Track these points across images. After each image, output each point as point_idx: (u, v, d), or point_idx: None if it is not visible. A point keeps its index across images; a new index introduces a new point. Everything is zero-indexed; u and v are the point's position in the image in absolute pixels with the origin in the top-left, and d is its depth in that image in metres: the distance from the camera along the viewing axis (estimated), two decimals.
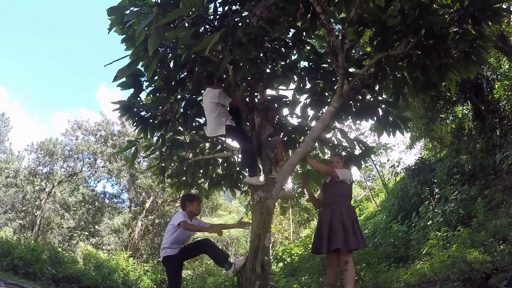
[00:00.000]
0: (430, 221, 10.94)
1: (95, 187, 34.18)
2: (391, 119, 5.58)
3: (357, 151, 6.16)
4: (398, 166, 16.94)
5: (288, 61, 5.84)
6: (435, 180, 13.60)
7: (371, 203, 22.32)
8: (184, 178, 6.51)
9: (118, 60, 3.86)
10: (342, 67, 4.50)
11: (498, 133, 13.36)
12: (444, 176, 13.55)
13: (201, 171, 6.52)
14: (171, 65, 5.13)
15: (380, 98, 5.65)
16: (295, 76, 6.04)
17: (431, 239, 9.61)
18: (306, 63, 5.91)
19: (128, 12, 4.43)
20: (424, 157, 16.83)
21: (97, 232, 28.93)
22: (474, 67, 4.96)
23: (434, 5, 4.61)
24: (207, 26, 4.52)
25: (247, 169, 5.14)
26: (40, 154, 29.83)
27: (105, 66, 3.79)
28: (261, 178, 5.02)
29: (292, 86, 6.25)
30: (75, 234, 28.75)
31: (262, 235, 4.61)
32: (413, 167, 14.52)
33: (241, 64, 5.04)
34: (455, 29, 4.83)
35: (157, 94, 5.58)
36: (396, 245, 11.08)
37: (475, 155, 13.54)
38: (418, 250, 9.81)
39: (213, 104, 5.05)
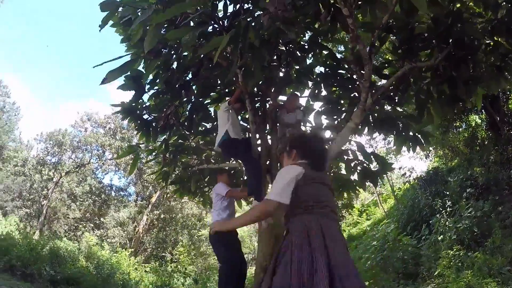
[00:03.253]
0: (441, 236, 10.55)
1: (103, 179, 34.25)
2: (411, 133, 5.18)
3: (373, 165, 5.71)
4: (410, 175, 16.47)
5: (303, 66, 5.46)
6: (447, 192, 13.16)
7: (379, 208, 21.88)
8: (188, 184, 6.14)
9: (109, 61, 3.33)
10: (368, 79, 4.01)
11: None
12: (457, 188, 13.11)
13: (206, 179, 6.15)
14: (175, 66, 4.71)
15: (400, 109, 5.24)
16: (309, 82, 5.67)
17: (442, 257, 9.22)
18: (322, 69, 5.56)
19: (124, 7, 3.94)
20: (436, 165, 16.39)
21: (102, 224, 28.90)
22: (506, 82, 4.58)
23: (466, 14, 4.20)
24: (216, 26, 4.10)
25: (252, 193, 4.46)
26: (49, 144, 29.91)
27: (93, 67, 3.27)
28: None
29: (306, 92, 5.88)
30: (80, 225, 28.75)
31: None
32: (425, 177, 14.11)
33: (252, 69, 4.50)
34: (487, 41, 4.42)
35: (160, 97, 5.18)
36: (405, 259, 10.68)
37: (489, 167, 13.12)
38: (429, 268, 9.42)
39: (227, 112, 4.69)
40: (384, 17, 3.63)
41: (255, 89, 5.18)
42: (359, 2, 3.70)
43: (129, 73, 4.32)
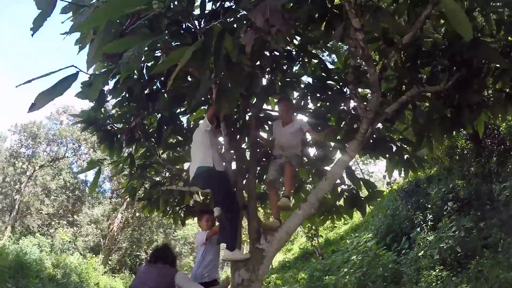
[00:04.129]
0: (422, 252, 10.28)
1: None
2: (405, 156, 4.73)
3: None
4: (392, 184, 16.23)
5: (289, 75, 4.87)
6: (429, 205, 12.95)
7: (356, 213, 21.51)
8: (158, 202, 5.53)
9: (36, 78, 2.45)
10: (373, 110, 3.41)
11: (495, 158, 12.78)
12: (438, 201, 12.91)
13: (176, 200, 5.58)
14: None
15: (395, 130, 4.77)
16: (295, 93, 5.15)
17: (424, 279, 8.95)
18: (310, 79, 5.05)
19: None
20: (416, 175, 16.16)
21: (76, 221, 28.04)
22: None
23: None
24: (192, 26, 3.28)
25: (224, 239, 3.87)
26: (23, 136, 28.84)
27: (16, 87, 2.35)
28: (245, 251, 4.04)
29: None
30: (53, 222, 27.86)
31: None
32: (407, 188, 13.88)
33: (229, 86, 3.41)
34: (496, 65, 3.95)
35: (125, 105, 4.52)
36: (385, 277, 10.37)
37: (469, 179, 12.96)
38: None
39: (208, 133, 4.06)
40: (409, 33, 3.00)
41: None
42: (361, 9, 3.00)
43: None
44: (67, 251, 20.31)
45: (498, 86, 4.27)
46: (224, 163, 4.16)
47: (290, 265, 19.82)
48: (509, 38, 3.88)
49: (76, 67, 1.90)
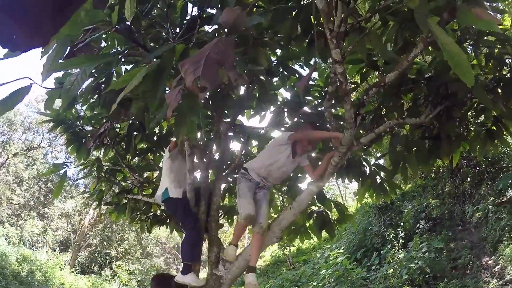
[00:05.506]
0: (392, 270, 10.32)
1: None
2: (378, 180, 4.65)
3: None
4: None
5: (267, 88, 4.64)
6: (401, 223, 13.03)
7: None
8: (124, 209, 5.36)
9: None
10: (348, 146, 3.25)
11: (469, 180, 12.96)
12: (411, 220, 13.01)
13: (143, 208, 5.42)
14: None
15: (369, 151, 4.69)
16: (272, 107, 5.00)
17: None
18: (288, 95, 4.95)
19: None
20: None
21: (46, 214, 27.31)
22: (493, 147, 4.13)
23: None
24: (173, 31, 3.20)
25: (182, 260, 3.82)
26: None
27: None
28: (201, 276, 3.95)
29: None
30: (23, 214, 27.09)
31: None
32: (380, 205, 13.93)
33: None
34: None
35: (96, 109, 4.29)
36: None
37: (443, 199, 13.13)
38: None
39: (168, 162, 4.10)
40: (404, 64, 2.76)
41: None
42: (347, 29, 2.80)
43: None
44: (36, 244, 19.75)
45: (481, 120, 4.25)
46: (184, 186, 4.09)
47: (261, 273, 19.71)
48: (497, 73, 3.84)
49: (30, 78, 1.74)
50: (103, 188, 5.32)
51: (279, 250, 19.46)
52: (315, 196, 4.36)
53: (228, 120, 4.72)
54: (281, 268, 18.52)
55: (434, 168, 14.30)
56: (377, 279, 10.92)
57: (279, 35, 3.78)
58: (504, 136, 4.12)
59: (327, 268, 12.04)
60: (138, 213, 5.45)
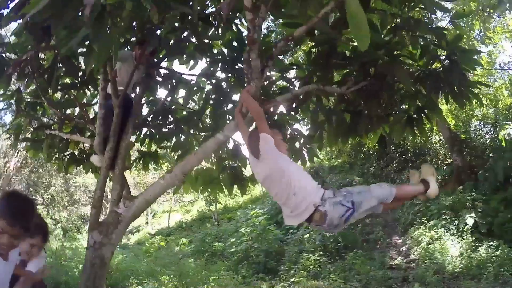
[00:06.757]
0: (308, 235, 10.80)
1: None
2: (297, 145, 4.70)
3: None
4: None
5: (202, 37, 4.37)
6: None
7: (259, 184, 21.89)
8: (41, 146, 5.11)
9: None
10: (254, 96, 3.13)
11: (394, 165, 13.74)
12: None
13: (59, 146, 5.13)
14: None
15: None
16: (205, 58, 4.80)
17: (303, 260, 9.51)
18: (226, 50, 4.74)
19: None
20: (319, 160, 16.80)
21: None
22: (411, 135, 4.30)
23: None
24: None
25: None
26: None
27: None
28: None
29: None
30: None
31: None
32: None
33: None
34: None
35: (23, 35, 3.76)
36: (269, 253, 10.88)
37: (367, 178, 13.88)
38: (289, 269, 9.74)
39: None
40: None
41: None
42: None
43: None
44: None
45: (404, 107, 4.40)
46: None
47: (187, 227, 19.90)
48: (429, 67, 3.98)
49: None
50: (22, 123, 5.02)
51: (206, 206, 19.68)
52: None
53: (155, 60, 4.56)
54: (206, 224, 18.80)
55: (365, 149, 14.96)
56: (293, 241, 11.42)
57: None
58: (424, 126, 4.30)
59: (247, 227, 12.44)
60: (56, 150, 5.18)
